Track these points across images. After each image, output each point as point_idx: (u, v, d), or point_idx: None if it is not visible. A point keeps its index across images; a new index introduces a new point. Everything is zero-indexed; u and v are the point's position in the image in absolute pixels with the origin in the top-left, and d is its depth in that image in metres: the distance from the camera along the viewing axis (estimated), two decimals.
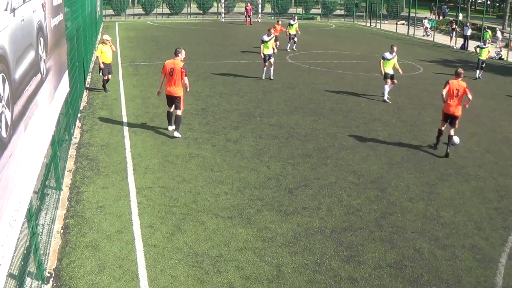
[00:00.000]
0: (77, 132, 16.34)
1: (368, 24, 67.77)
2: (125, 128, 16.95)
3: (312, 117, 19.31)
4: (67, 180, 12.56)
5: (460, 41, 48.47)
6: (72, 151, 14.59)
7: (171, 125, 16.77)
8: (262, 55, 25.74)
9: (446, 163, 15.21)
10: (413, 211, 11.85)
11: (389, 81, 22.34)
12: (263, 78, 25.99)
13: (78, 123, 17.23)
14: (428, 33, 56.25)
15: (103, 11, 57.82)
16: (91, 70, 25.76)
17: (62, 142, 13.15)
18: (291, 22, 37.09)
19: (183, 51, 16.29)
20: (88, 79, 24.13)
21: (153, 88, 22.82)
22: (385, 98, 22.48)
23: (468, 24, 50.67)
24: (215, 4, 68.57)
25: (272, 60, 25.84)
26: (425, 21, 58.39)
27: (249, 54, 34.29)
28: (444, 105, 16.10)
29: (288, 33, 37.15)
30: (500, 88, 27.72)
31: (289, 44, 37.29)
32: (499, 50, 43.06)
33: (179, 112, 16.20)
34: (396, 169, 14.51)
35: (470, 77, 27.89)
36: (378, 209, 11.84)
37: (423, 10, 76.97)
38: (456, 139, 16.11)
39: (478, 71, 29.94)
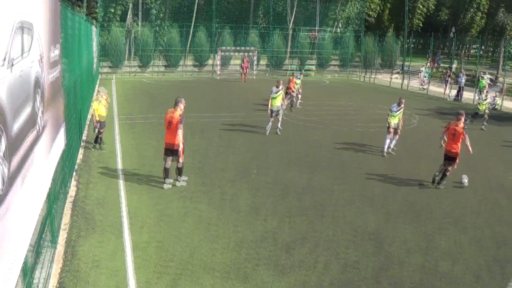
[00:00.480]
0: (73, 187, 16.29)
1: (362, 75, 68.38)
2: (121, 184, 16.92)
3: (308, 172, 19.31)
4: (62, 236, 12.47)
5: (455, 90, 48.95)
6: (68, 207, 14.52)
7: (168, 178, 16.74)
8: (269, 110, 25.57)
9: (444, 214, 15.24)
10: (411, 264, 11.78)
11: (392, 134, 22.48)
12: (267, 133, 25.77)
13: (74, 178, 17.18)
14: (425, 84, 55.76)
15: (100, 65, 58.24)
16: (87, 125, 25.80)
17: (58, 197, 13.08)
18: (298, 77, 36.53)
19: (182, 99, 16.52)
20: (85, 134, 24.14)
21: (149, 143, 22.92)
22: (384, 151, 22.52)
23: (462, 72, 51.25)
24: (211, 58, 69.13)
25: (280, 116, 25.80)
26: (422, 72, 58.73)
27: (244, 110, 34.43)
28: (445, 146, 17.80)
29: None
30: (496, 136, 27.91)
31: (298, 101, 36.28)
32: (493, 99, 43.44)
33: (179, 164, 16.48)
34: (393, 221, 14.48)
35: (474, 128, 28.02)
36: (376, 263, 11.76)
37: (417, 60, 77.82)
38: (465, 181, 17.67)
39: (483, 122, 30.74)
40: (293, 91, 34.59)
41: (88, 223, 13.44)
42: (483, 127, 30.30)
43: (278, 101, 25.45)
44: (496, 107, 40.96)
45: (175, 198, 15.69)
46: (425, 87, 54.77)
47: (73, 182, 16.81)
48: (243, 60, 60.52)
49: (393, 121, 22.37)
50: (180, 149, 16.26)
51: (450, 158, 17.61)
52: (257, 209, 15.06)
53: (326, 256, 12.01)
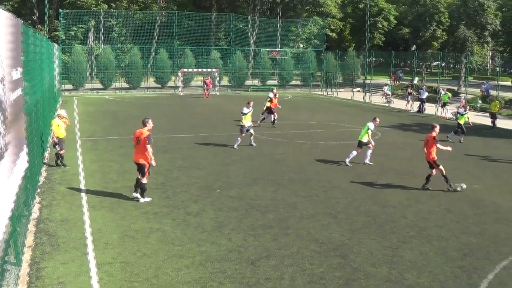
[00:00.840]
0: (36, 208, 16.17)
1: (324, 93, 68.96)
2: (84, 203, 16.84)
3: (271, 188, 19.40)
4: (26, 256, 12.37)
5: (416, 105, 49.69)
6: (31, 227, 14.41)
7: (136, 192, 17.24)
8: (240, 127, 27.00)
9: (408, 226, 15.40)
10: (377, 276, 11.90)
11: (360, 148, 23.56)
12: (236, 147, 26.79)
13: (37, 198, 17.06)
14: (389, 99, 56.29)
15: (62, 85, 57.93)
16: (49, 145, 25.60)
17: (21, 217, 12.98)
18: (271, 95, 36.58)
19: (150, 120, 17.24)
20: (47, 154, 23.97)
21: (112, 163, 22.85)
22: (347, 161, 23.48)
23: (423, 87, 52.02)
24: (172, 78, 69.19)
25: (252, 131, 27.19)
26: (385, 88, 59.30)
27: (207, 128, 34.51)
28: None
29: (266, 107, 36.13)
30: (458, 148, 28.33)
31: (272, 117, 35.98)
32: (463, 110, 44.10)
33: (143, 180, 16.89)
34: (358, 235, 14.60)
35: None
36: (341, 276, 11.86)
37: (379, 76, 78.72)
38: (463, 187, 19.58)
39: (461, 136, 31.43)
40: (275, 106, 35.72)
41: (52, 242, 13.35)
42: (461, 139, 30.88)
43: (249, 119, 26.77)
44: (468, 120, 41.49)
45: (139, 216, 15.66)
46: (390, 103, 55.43)
47: (36, 202, 16.69)
48: (205, 82, 60.85)
49: (364, 137, 23.53)
50: (146, 166, 16.81)
51: (429, 163, 19.81)
52: (221, 226, 15.09)
53: (291, 271, 12.07)
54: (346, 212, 16.64)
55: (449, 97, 47.03)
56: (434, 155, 19.52)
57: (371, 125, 23.59)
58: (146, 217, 15.65)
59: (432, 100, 50.92)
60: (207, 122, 37.25)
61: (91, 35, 71.94)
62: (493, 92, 58.14)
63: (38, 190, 17.93)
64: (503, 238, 14.67)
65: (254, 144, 27.51)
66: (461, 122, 31.42)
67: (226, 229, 14.82)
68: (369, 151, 23.68)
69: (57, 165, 21.81)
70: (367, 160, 23.76)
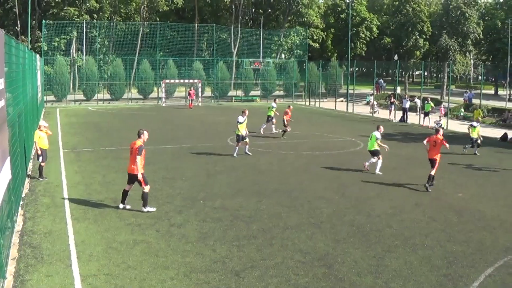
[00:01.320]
0: (19, 220, 16.08)
1: (307, 103, 69.15)
2: (68, 215, 16.77)
3: (256, 198, 19.41)
4: (10, 268, 12.30)
5: (399, 114, 50.03)
6: (15, 239, 14.33)
7: (123, 203, 17.51)
8: (236, 136, 27.38)
9: (393, 235, 15.46)
10: (362, 286, 11.94)
11: (380, 156, 24.05)
12: (235, 155, 27.24)
13: (20, 211, 16.97)
14: (376, 110, 56.54)
15: (44, 97, 57.75)
16: (32, 156, 25.51)
17: (4, 229, 12.92)
18: (273, 105, 37.75)
19: (145, 132, 17.51)
20: (30, 166, 23.87)
21: (95, 174, 22.80)
22: (367, 165, 24.48)
23: (406, 96, 52.40)
24: (155, 89, 69.19)
25: (247, 139, 27.54)
26: (371, 98, 59.52)
27: (191, 138, 34.52)
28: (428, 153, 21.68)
29: (268, 116, 37.50)
30: (442, 157, 28.40)
31: (273, 126, 37.45)
32: (438, 119, 44.55)
33: (145, 189, 17.12)
34: (342, 244, 14.64)
35: (416, 147, 28.60)
36: (326, 286, 11.88)
37: (361, 86, 79.15)
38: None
39: (475, 148, 31.20)
40: (288, 120, 35.77)
41: (36, 255, 13.29)
42: (476, 152, 30.88)
43: (244, 128, 27.10)
44: (442, 126, 41.73)
45: (123, 228, 15.62)
46: (376, 112, 55.83)
47: (20, 214, 16.61)
48: (189, 93, 61.01)
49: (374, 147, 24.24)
50: (140, 177, 16.87)
51: (431, 161, 21.49)
52: (205, 237, 15.08)
53: (276, 281, 12.08)
54: (331, 222, 16.68)
55: (432, 107, 47.37)
56: (438, 155, 21.30)
57: (377, 134, 24.04)
58: (130, 228, 15.61)
59: (415, 108, 51.35)
60: (190, 133, 37.29)
61: (73, 46, 71.84)
62: (476, 101, 58.68)
63: (21, 202, 17.84)
64: (488, 245, 14.77)
65: (249, 153, 27.90)
66: (474, 135, 31.12)
67: (211, 240, 14.82)
68: (379, 162, 23.98)
69: (40, 176, 21.73)
70: (378, 171, 24.02)
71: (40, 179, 21.60)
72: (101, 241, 14.49)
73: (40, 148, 21.64)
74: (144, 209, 17.17)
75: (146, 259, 13.28)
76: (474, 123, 31.98)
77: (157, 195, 19.51)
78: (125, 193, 17.52)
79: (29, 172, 22.66)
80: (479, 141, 31.16)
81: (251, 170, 24.57)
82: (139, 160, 16.85)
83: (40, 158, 21.73)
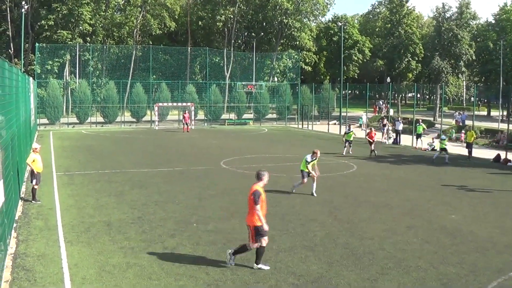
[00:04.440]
0: (13, 242, 16.05)
1: (300, 126, 69.30)
2: (61, 238, 16.75)
3: None
4: None
5: (392, 136, 50.26)
6: (8, 261, 14.30)
7: (257, 264, 14.66)
8: (302, 172, 24.89)
9: (386, 257, 15.44)
10: None
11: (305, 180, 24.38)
12: (293, 191, 24.94)
13: (13, 233, 16.95)
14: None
15: (38, 119, 57.78)
16: (25, 179, 25.50)
17: None
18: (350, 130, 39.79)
19: (266, 173, 14.72)
20: (23, 189, 23.86)
21: (88, 197, 22.81)
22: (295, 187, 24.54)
23: (399, 118, 52.51)
24: (148, 112, 69.32)
25: (305, 180, 24.99)
26: (363, 118, 60.01)
27: (183, 162, 34.56)
28: None
29: (345, 139, 39.45)
30: (434, 178, 28.58)
31: (345, 149, 39.35)
32: (431, 141, 44.80)
33: (262, 243, 14.43)
34: (336, 267, 14.63)
35: (409, 169, 28.68)
36: None
37: (354, 108, 79.48)
38: None
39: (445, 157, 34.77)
40: (372, 138, 38.78)
41: (29, 277, 13.26)
42: (446, 160, 32.58)
43: (310, 167, 24.69)
44: (435, 148, 41.85)
45: (116, 251, 15.60)
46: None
47: (13, 237, 16.59)
48: (183, 117, 61.09)
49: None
50: (251, 228, 14.43)
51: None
52: (198, 260, 15.07)
53: None
54: (324, 245, 16.69)
55: (424, 129, 47.57)
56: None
57: (308, 157, 24.51)
58: (123, 251, 15.60)
59: (409, 132, 51.47)
60: (183, 157, 37.34)
61: (67, 69, 72.04)
62: (469, 122, 58.98)
63: (14, 225, 17.82)
64: (481, 267, 14.78)
65: (315, 194, 24.60)
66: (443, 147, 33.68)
67: (204, 263, 14.81)
68: (314, 184, 24.41)
69: (33, 199, 21.72)
70: (313, 191, 24.35)
71: (33, 202, 21.61)
72: (94, 264, 14.47)
73: (34, 170, 21.65)
74: (256, 266, 14.60)
75: (139, 282, 13.26)
76: (443, 136, 36.42)
77: (150, 218, 19.51)
78: (243, 249, 14.77)
79: (22, 195, 22.65)
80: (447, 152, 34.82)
81: (243, 193, 24.47)
82: (259, 209, 14.20)
83: (34, 181, 21.74)
